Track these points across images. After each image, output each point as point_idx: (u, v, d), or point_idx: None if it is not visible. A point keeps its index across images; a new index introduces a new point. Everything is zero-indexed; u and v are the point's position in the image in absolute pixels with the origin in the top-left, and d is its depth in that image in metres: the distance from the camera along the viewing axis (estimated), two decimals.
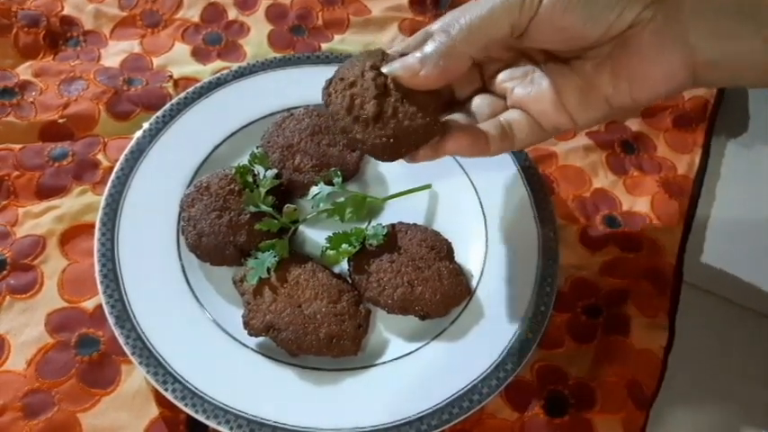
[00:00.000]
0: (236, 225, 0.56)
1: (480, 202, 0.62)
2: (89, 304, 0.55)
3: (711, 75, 0.41)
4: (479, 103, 0.48)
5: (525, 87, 0.45)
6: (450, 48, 0.40)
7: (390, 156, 0.43)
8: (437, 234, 0.58)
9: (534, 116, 0.45)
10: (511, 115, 0.46)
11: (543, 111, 0.45)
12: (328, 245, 0.56)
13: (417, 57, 0.40)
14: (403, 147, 0.43)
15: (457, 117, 0.48)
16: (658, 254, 0.62)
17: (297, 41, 0.77)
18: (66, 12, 0.75)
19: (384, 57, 0.43)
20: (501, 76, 0.47)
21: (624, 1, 0.38)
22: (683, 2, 0.39)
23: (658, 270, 0.61)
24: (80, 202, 0.60)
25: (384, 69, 0.42)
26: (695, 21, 0.39)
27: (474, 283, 0.58)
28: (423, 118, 0.42)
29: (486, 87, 0.49)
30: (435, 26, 0.42)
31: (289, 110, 0.65)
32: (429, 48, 0.40)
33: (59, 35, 0.73)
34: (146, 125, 0.62)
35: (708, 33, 0.39)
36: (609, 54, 0.41)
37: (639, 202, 0.66)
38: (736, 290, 0.62)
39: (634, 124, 0.73)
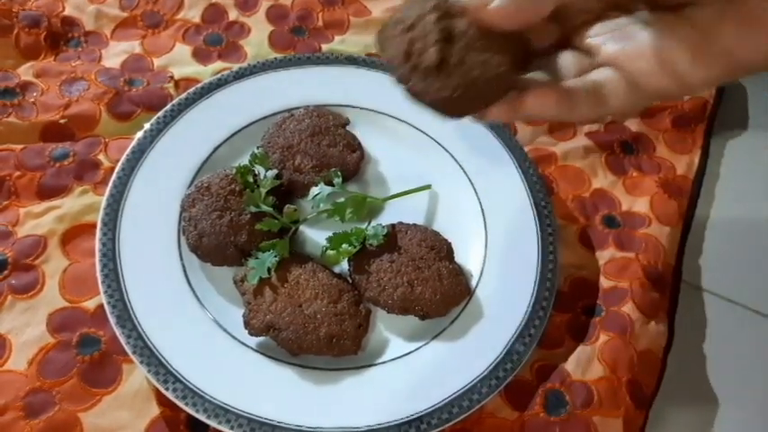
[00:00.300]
0: (236, 225, 0.56)
1: (480, 203, 0.62)
2: (90, 304, 0.55)
3: None
4: (562, 60, 0.40)
5: (620, 42, 0.37)
6: None
7: (455, 111, 0.37)
8: (437, 234, 0.58)
9: (632, 76, 0.37)
10: (603, 74, 0.38)
11: (643, 70, 0.36)
12: (328, 245, 0.56)
13: None
14: (471, 102, 0.37)
15: (535, 75, 0.40)
16: (658, 254, 0.63)
17: (297, 42, 0.77)
18: (67, 12, 0.75)
19: None
20: (588, 30, 0.39)
21: None
22: None
23: (657, 270, 0.62)
24: (81, 202, 0.60)
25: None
26: None
27: (474, 282, 0.58)
28: (496, 68, 0.36)
29: (569, 43, 0.40)
30: None
31: (289, 110, 0.65)
32: None
33: (60, 36, 0.73)
34: (147, 126, 0.63)
35: None
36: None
37: (639, 203, 0.67)
38: (735, 289, 0.63)
39: (633, 125, 0.73)
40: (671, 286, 0.62)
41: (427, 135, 0.66)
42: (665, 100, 0.43)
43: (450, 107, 0.37)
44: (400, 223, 0.59)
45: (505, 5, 0.34)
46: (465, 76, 0.36)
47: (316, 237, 0.60)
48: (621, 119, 0.73)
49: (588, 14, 0.39)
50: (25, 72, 0.69)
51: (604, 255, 0.63)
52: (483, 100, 0.37)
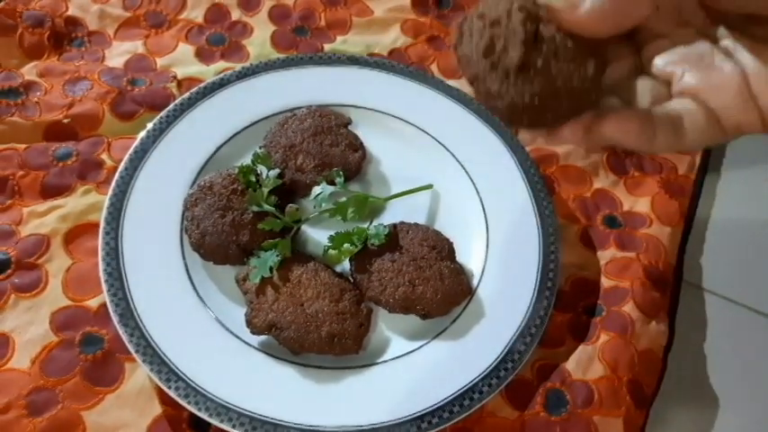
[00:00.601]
0: (239, 224, 0.56)
1: (481, 202, 0.63)
2: (93, 303, 0.55)
3: None
4: (639, 86, 0.37)
5: (700, 72, 0.35)
6: None
7: (527, 120, 0.34)
8: (438, 234, 0.59)
9: (714, 110, 0.34)
10: (681, 104, 0.35)
11: (727, 104, 0.34)
12: (330, 244, 0.56)
13: None
14: (547, 113, 0.34)
15: (609, 101, 0.37)
16: (658, 254, 0.63)
17: (300, 42, 0.77)
18: (70, 12, 0.75)
19: None
20: (666, 57, 0.36)
21: None
22: None
23: (658, 270, 0.62)
24: (84, 201, 0.61)
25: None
26: None
27: (475, 282, 0.58)
28: (581, 81, 0.33)
29: (644, 70, 0.38)
30: None
31: (291, 110, 0.66)
32: None
33: (64, 35, 0.73)
34: (150, 125, 0.63)
35: None
36: None
37: (640, 203, 0.67)
38: (735, 289, 0.63)
39: None
40: (672, 286, 0.62)
41: (429, 135, 0.66)
42: (744, 134, 0.42)
43: (523, 115, 0.34)
44: (402, 223, 0.59)
45: (596, 9, 0.32)
46: (548, 83, 0.33)
47: (317, 236, 0.60)
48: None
49: (669, 41, 0.36)
50: (29, 72, 0.69)
51: (605, 254, 0.63)
52: (561, 113, 0.34)
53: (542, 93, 0.33)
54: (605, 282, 0.61)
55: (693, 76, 0.35)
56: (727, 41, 0.35)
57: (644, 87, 0.37)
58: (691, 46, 0.35)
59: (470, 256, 0.60)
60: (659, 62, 0.36)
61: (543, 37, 0.33)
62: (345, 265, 0.58)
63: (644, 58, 0.37)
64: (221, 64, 0.73)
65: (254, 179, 0.59)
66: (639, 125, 0.34)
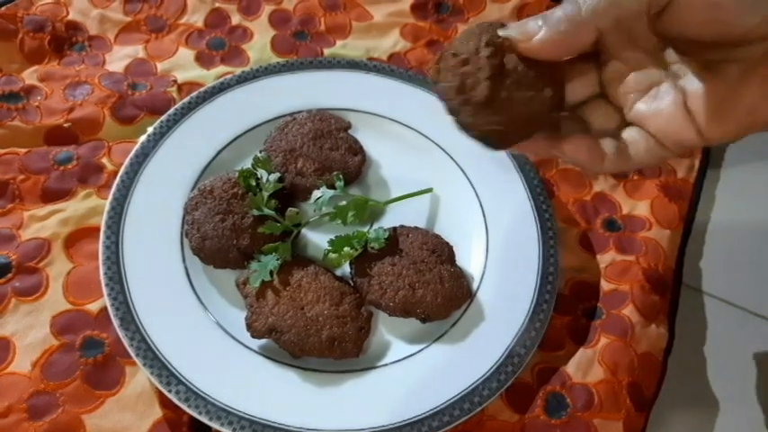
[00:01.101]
0: (239, 228, 0.56)
1: (481, 206, 0.63)
2: (93, 307, 0.56)
3: None
4: (593, 111, 0.42)
5: (650, 103, 0.39)
6: (576, 13, 0.35)
7: (500, 144, 0.40)
8: (438, 237, 0.59)
9: (654, 134, 0.39)
10: (629, 134, 0.40)
11: (666, 125, 0.38)
12: (330, 248, 0.57)
13: (538, 21, 0.36)
14: (515, 135, 0.40)
15: (569, 125, 0.42)
16: (658, 257, 0.63)
17: (299, 46, 0.77)
18: (71, 17, 0.75)
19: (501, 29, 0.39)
20: (622, 85, 0.40)
21: None
22: None
23: (658, 273, 0.62)
24: (85, 205, 0.61)
25: (500, 32, 0.38)
26: None
27: (475, 285, 0.58)
28: (539, 105, 0.38)
29: (603, 92, 0.42)
30: None
31: (291, 114, 0.66)
32: (552, 13, 0.36)
33: (64, 40, 0.74)
34: (150, 129, 0.63)
35: None
36: (763, 56, 0.34)
37: (639, 206, 0.67)
38: (735, 292, 0.63)
39: None
40: (671, 289, 0.62)
41: (429, 138, 0.67)
42: (684, 152, 0.45)
43: (495, 140, 0.39)
44: (402, 226, 0.59)
45: (548, 38, 0.36)
46: (512, 111, 0.38)
47: (318, 240, 0.60)
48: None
49: (625, 65, 0.39)
50: (29, 76, 0.70)
51: (605, 258, 0.63)
52: (524, 135, 0.40)
53: (507, 120, 0.38)
54: (605, 285, 0.61)
55: (642, 105, 0.39)
56: (677, 66, 0.38)
57: (599, 111, 0.41)
58: (643, 72, 0.39)
59: (470, 259, 0.60)
60: (613, 90, 0.40)
61: (507, 69, 0.38)
62: (345, 269, 0.58)
63: (603, 79, 0.41)
64: (221, 68, 0.73)
65: (254, 183, 0.59)
66: (589, 150, 0.39)
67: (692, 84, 0.37)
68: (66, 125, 0.65)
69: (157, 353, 0.51)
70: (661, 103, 0.38)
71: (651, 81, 0.39)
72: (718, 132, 0.37)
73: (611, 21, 0.35)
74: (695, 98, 0.37)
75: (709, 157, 0.72)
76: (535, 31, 0.36)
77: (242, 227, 0.57)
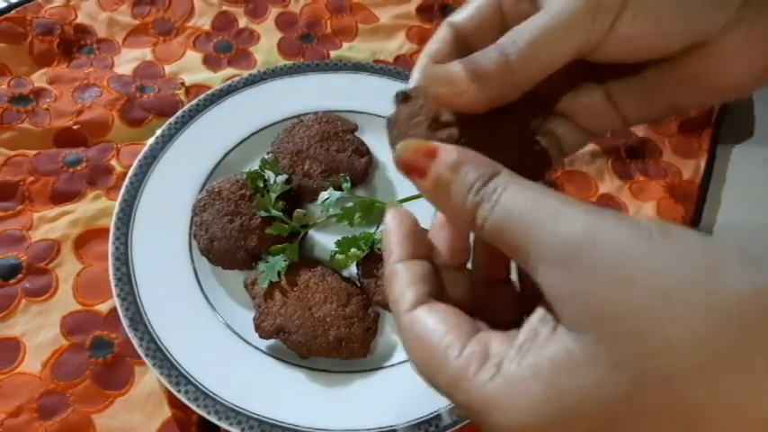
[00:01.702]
0: (247, 229, 0.57)
1: None
2: (103, 307, 0.56)
3: None
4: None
5: (575, 97, 0.38)
6: (507, 72, 0.31)
7: None
8: None
9: (584, 126, 0.38)
10: (557, 127, 0.39)
11: (595, 117, 0.38)
12: (337, 249, 0.57)
13: (467, 72, 0.31)
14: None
15: None
16: None
17: (306, 49, 0.78)
18: (79, 20, 0.76)
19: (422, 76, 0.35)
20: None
21: (713, 8, 0.31)
22: None
23: None
24: (94, 207, 0.61)
25: (425, 71, 0.34)
26: None
27: None
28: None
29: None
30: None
31: (298, 116, 0.66)
32: (483, 62, 0.31)
33: (73, 43, 0.74)
34: (158, 131, 0.63)
35: None
36: (680, 57, 0.34)
37: (645, 207, 0.67)
38: None
39: (640, 130, 0.73)
40: None
41: None
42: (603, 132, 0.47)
43: None
44: None
45: (481, 98, 0.31)
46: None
47: (325, 241, 0.61)
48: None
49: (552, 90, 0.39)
50: (39, 79, 0.70)
51: None
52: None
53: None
54: None
55: (569, 99, 0.38)
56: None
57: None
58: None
59: None
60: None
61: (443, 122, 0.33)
62: (352, 270, 0.59)
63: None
64: (229, 71, 0.74)
65: (261, 184, 0.59)
66: None
67: (612, 80, 0.37)
68: (75, 127, 0.66)
69: (166, 353, 0.51)
70: (590, 99, 0.38)
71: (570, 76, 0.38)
72: (639, 117, 0.38)
73: (542, 72, 0.32)
74: (617, 92, 0.37)
75: (715, 159, 0.72)
76: (463, 86, 0.31)
77: (250, 228, 0.57)
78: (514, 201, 0.26)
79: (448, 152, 0.29)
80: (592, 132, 0.39)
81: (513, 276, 0.36)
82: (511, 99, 0.32)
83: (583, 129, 0.38)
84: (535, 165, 0.30)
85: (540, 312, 0.26)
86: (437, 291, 0.31)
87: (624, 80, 0.37)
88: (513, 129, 0.33)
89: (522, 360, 0.25)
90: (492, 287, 0.35)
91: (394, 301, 0.31)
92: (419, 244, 0.33)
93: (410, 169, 0.30)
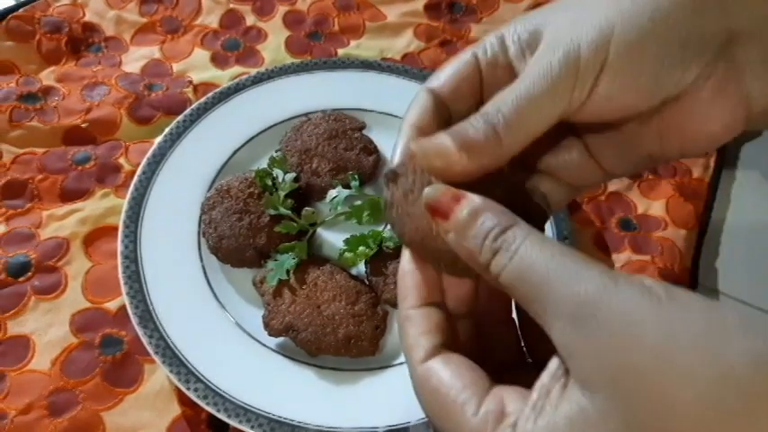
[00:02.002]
0: (255, 228, 0.57)
1: None
2: (112, 305, 0.56)
3: (763, 119, 0.36)
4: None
5: (556, 155, 0.39)
6: (496, 144, 0.31)
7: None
8: None
9: (568, 182, 0.39)
10: (543, 185, 0.39)
11: (577, 173, 0.39)
12: (346, 247, 0.57)
13: (456, 144, 0.31)
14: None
15: None
16: (674, 257, 0.63)
17: (313, 47, 0.78)
18: (87, 18, 0.76)
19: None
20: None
21: (687, 62, 0.32)
22: (745, 53, 0.34)
23: (674, 273, 0.62)
24: (103, 204, 0.61)
25: (413, 146, 0.32)
26: (751, 67, 0.34)
27: None
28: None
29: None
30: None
31: (306, 114, 0.66)
32: (471, 132, 0.31)
33: (81, 41, 0.74)
34: (167, 130, 0.63)
35: (764, 79, 0.34)
36: (656, 111, 0.35)
37: (655, 206, 0.67)
38: (751, 293, 0.63)
39: None
40: (687, 289, 0.62)
41: None
42: (591, 189, 0.47)
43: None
44: None
45: (471, 168, 0.31)
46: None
47: (333, 239, 0.61)
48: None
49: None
50: (47, 77, 0.70)
51: (620, 258, 0.63)
52: None
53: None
54: None
55: (551, 158, 0.39)
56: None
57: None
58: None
59: None
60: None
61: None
62: (361, 268, 0.58)
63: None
64: (236, 69, 0.74)
65: (270, 183, 0.59)
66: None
67: (591, 137, 0.38)
68: (83, 125, 0.66)
69: (176, 351, 0.51)
70: (571, 155, 0.38)
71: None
72: (622, 172, 0.39)
73: (528, 139, 0.33)
74: (597, 148, 0.38)
75: (725, 157, 0.72)
76: (455, 158, 0.31)
77: (258, 226, 0.57)
78: (534, 254, 0.27)
79: (472, 199, 0.30)
80: (575, 187, 0.39)
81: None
82: (499, 165, 0.32)
83: (567, 184, 0.39)
84: (532, 220, 0.30)
85: (551, 368, 0.27)
86: (449, 339, 0.32)
87: (602, 135, 0.37)
88: (505, 189, 0.33)
89: (537, 419, 0.26)
90: (494, 327, 0.36)
91: (407, 349, 0.32)
92: (434, 289, 0.34)
93: (435, 211, 0.30)
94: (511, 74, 0.35)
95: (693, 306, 0.25)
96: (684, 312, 0.24)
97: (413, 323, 0.33)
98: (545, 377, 0.27)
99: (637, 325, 0.24)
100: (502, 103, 0.32)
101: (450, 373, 0.29)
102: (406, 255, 0.34)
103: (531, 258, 0.27)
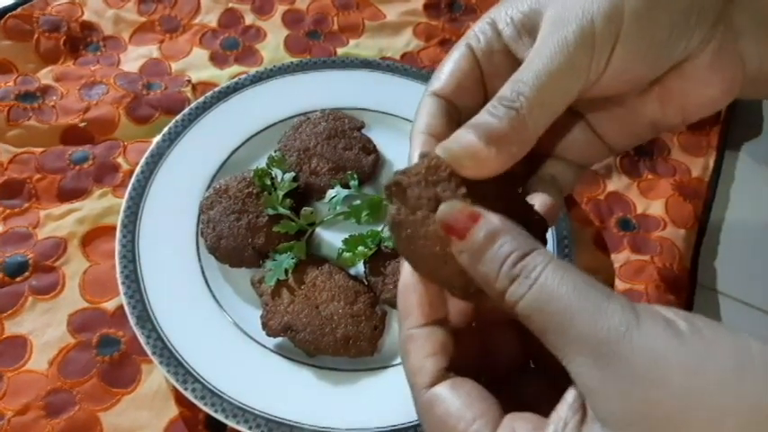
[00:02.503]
0: (254, 227, 0.57)
1: None
2: (110, 305, 0.56)
3: (756, 87, 0.37)
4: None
5: (560, 135, 0.39)
6: (523, 130, 0.30)
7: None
8: None
9: (574, 160, 0.39)
10: (553, 168, 0.39)
11: (584, 152, 0.39)
12: (345, 247, 0.57)
13: (481, 138, 0.30)
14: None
15: None
16: (673, 257, 0.63)
17: (313, 46, 0.77)
18: (86, 17, 0.76)
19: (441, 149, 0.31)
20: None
21: (691, 31, 0.33)
22: (740, 16, 0.34)
23: (673, 273, 0.62)
24: (101, 204, 0.61)
25: (438, 151, 0.30)
26: (746, 29, 0.35)
27: None
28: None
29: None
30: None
31: (305, 114, 0.66)
32: (494, 121, 0.30)
33: (80, 40, 0.74)
34: (165, 129, 0.63)
35: (757, 41, 0.35)
36: (656, 80, 0.35)
37: (654, 205, 0.67)
38: (750, 292, 0.62)
39: None
40: (686, 289, 0.62)
41: None
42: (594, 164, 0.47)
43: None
44: None
45: (501, 161, 0.30)
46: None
47: (332, 239, 0.60)
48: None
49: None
50: (45, 76, 0.70)
51: (619, 258, 0.63)
52: None
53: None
54: (619, 285, 0.61)
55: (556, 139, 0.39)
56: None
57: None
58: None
59: None
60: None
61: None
62: (360, 268, 0.58)
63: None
64: (235, 68, 0.74)
65: (269, 182, 0.59)
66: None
67: (592, 112, 0.38)
68: (81, 125, 0.66)
69: (173, 351, 0.51)
70: (574, 134, 0.38)
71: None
72: (625, 144, 0.39)
73: (552, 118, 0.32)
74: (599, 123, 0.38)
75: (724, 156, 0.72)
76: (484, 155, 0.30)
77: (257, 226, 0.57)
78: (554, 284, 0.26)
79: (490, 219, 0.28)
80: (581, 165, 0.39)
81: None
82: (525, 152, 0.31)
83: (573, 163, 0.39)
84: (532, 231, 0.29)
85: (568, 400, 0.26)
86: (455, 358, 0.31)
87: (604, 110, 0.37)
88: (506, 201, 0.31)
89: None
90: (496, 332, 0.35)
91: (411, 372, 0.31)
92: (438, 306, 0.32)
93: (451, 230, 0.28)
94: (509, 58, 0.35)
95: (717, 341, 0.24)
96: (709, 349, 0.24)
97: (416, 344, 0.31)
98: (561, 410, 0.26)
99: (661, 365, 0.23)
100: (520, 83, 0.31)
101: (460, 403, 0.28)
102: (407, 267, 0.32)
103: (551, 289, 0.26)
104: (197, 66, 0.73)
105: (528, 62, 0.31)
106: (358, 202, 0.59)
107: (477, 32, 0.36)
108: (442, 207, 0.29)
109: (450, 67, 0.36)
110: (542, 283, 0.26)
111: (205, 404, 0.49)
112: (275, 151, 0.63)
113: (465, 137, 0.30)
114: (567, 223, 0.60)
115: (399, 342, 0.32)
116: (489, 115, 0.30)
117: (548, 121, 0.31)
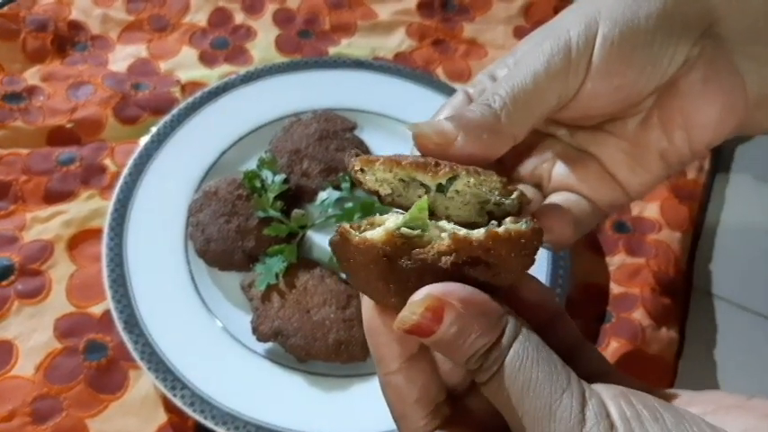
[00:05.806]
0: (244, 230, 0.56)
1: None
2: (97, 309, 0.55)
3: (763, 113, 0.36)
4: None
5: (566, 166, 0.39)
6: (495, 123, 0.32)
7: None
8: None
9: (587, 196, 0.38)
10: (563, 197, 0.38)
11: (594, 189, 0.38)
12: None
13: (453, 122, 0.31)
14: None
15: None
16: (668, 259, 0.62)
17: (304, 45, 0.77)
18: (73, 16, 0.75)
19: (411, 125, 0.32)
20: (528, 165, 0.40)
21: (675, 38, 0.33)
22: (727, 30, 0.35)
23: (668, 276, 0.61)
24: (88, 207, 0.60)
25: (410, 128, 0.31)
26: (743, 47, 0.35)
27: None
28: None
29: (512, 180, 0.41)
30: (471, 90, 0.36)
31: (296, 114, 0.65)
32: (467, 116, 0.32)
33: (67, 40, 0.73)
34: (153, 130, 0.62)
35: (754, 58, 0.35)
36: (655, 105, 0.36)
37: (649, 208, 0.66)
38: (746, 295, 0.62)
39: None
40: (681, 291, 0.61)
41: None
42: (616, 210, 0.50)
43: None
44: None
45: (468, 146, 0.31)
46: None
47: (323, 242, 0.60)
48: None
49: (521, 148, 0.39)
50: (32, 76, 0.69)
51: (614, 260, 0.62)
52: None
53: None
54: (615, 288, 0.60)
55: (561, 170, 0.39)
56: (573, 136, 0.39)
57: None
58: (542, 148, 0.40)
59: None
60: (521, 171, 0.40)
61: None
62: None
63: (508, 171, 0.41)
64: (225, 68, 0.73)
65: (259, 184, 0.58)
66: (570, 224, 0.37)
67: (596, 147, 0.38)
68: (68, 126, 0.65)
69: (162, 356, 0.50)
70: (580, 164, 0.38)
71: (554, 152, 0.40)
72: (639, 185, 0.38)
73: (528, 126, 0.33)
74: (606, 160, 0.38)
75: (719, 159, 0.72)
76: (453, 135, 0.31)
77: (247, 229, 0.56)
78: (511, 379, 0.26)
79: (451, 310, 0.27)
80: (598, 206, 0.38)
81: None
82: (502, 151, 0.32)
83: (592, 204, 0.38)
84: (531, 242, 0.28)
85: None
86: (442, 394, 0.31)
87: (612, 146, 0.38)
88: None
89: None
90: None
91: (399, 419, 0.32)
92: (409, 339, 0.30)
93: (416, 334, 0.27)
94: None
95: None
96: None
97: (395, 393, 0.31)
98: None
99: None
100: (498, 86, 0.33)
101: None
102: (367, 304, 0.30)
103: (508, 383, 0.26)
104: (186, 65, 0.73)
105: (508, 73, 0.34)
106: (350, 204, 0.58)
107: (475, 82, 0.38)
108: (403, 313, 0.27)
109: (449, 108, 0.37)
110: (501, 375, 0.26)
111: (194, 411, 0.48)
112: (266, 153, 0.62)
113: (437, 121, 0.32)
114: None
115: (381, 389, 0.32)
116: (467, 108, 0.33)
117: (523, 123, 0.33)
